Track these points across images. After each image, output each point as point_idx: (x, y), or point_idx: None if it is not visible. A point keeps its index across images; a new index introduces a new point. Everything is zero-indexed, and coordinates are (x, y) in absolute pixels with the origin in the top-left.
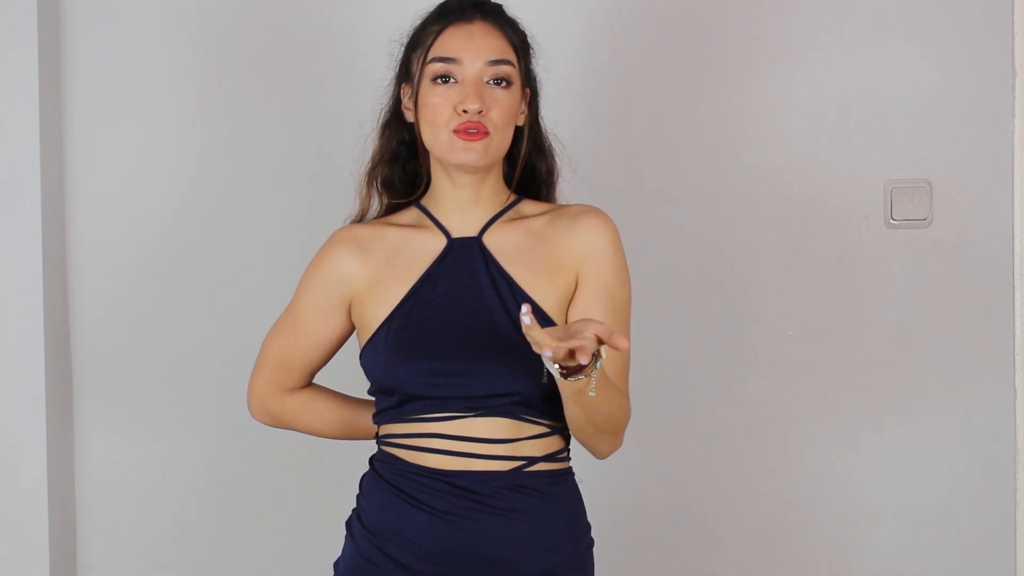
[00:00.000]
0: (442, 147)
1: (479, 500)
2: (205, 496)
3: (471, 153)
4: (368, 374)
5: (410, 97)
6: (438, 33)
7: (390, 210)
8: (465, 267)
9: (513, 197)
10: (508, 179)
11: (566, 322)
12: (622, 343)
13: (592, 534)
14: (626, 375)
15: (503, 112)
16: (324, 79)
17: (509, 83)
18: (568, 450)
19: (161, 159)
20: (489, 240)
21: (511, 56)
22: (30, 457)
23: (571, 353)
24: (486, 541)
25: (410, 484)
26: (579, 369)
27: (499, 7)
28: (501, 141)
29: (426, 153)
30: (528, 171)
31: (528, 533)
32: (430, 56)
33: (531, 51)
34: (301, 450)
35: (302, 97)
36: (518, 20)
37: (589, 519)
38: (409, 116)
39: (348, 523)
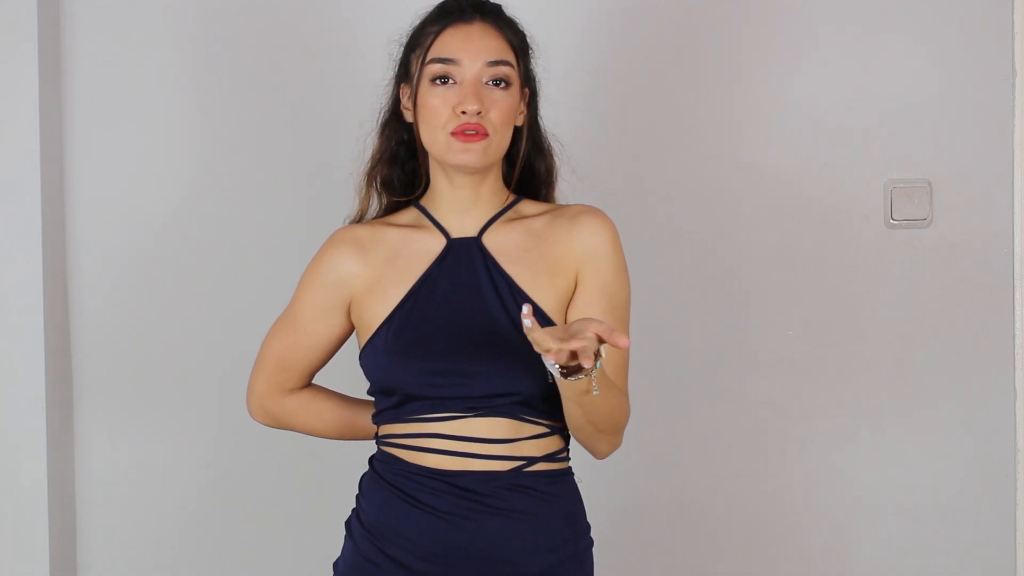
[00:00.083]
0: (440, 148)
1: (479, 500)
2: (205, 496)
3: (470, 154)
4: (368, 374)
5: (409, 97)
6: (437, 34)
7: (389, 210)
8: (464, 267)
9: (512, 197)
10: (507, 179)
11: (565, 322)
12: (622, 341)
13: (592, 534)
14: (625, 375)
15: (502, 113)
16: (324, 79)
17: (508, 84)
18: (568, 450)
19: (161, 159)
20: (488, 240)
21: (510, 57)
22: (30, 457)
23: (572, 354)
24: (486, 541)
25: (410, 484)
26: (579, 369)
27: (498, 7)
28: (500, 142)
29: (425, 153)
30: (527, 171)
31: (528, 533)
32: (429, 57)
33: (530, 51)
34: (301, 450)
35: (302, 97)
36: (517, 20)
37: (589, 519)
38: (408, 116)
39: (348, 523)
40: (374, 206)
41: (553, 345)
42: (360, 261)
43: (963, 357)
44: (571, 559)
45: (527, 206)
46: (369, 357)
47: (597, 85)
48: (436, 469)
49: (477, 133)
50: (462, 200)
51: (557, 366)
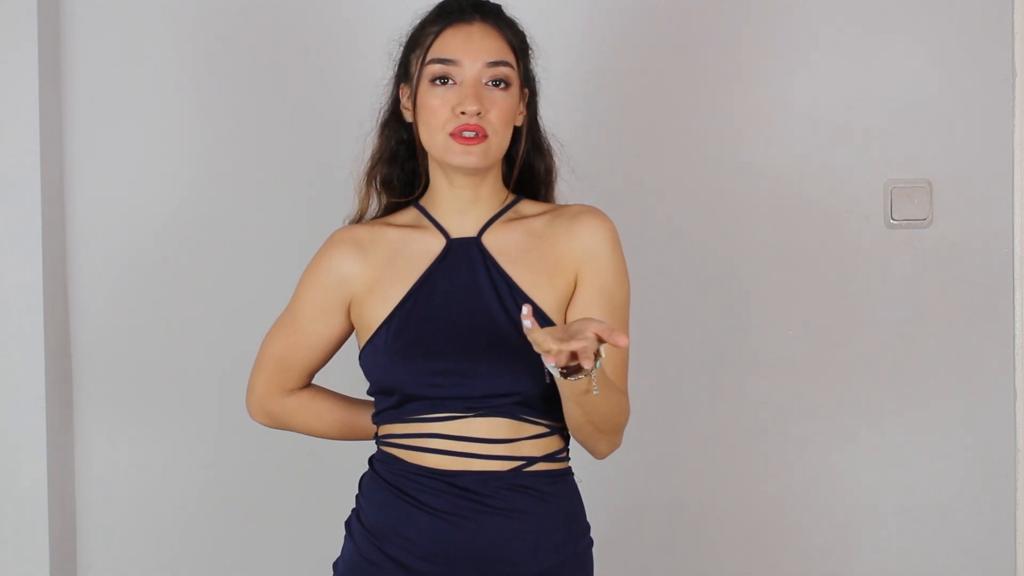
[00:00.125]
0: (440, 149)
1: (479, 500)
2: (205, 496)
3: (470, 156)
4: (367, 374)
5: (409, 97)
6: (437, 34)
7: (388, 210)
8: (464, 267)
9: (512, 197)
10: (506, 179)
11: (565, 322)
12: (622, 340)
13: (591, 534)
14: (625, 375)
15: (502, 114)
16: (324, 79)
17: (508, 84)
18: (567, 450)
19: (161, 159)
20: (488, 240)
21: (510, 57)
22: (30, 457)
23: (572, 355)
24: (486, 541)
25: (410, 484)
26: (579, 369)
27: (498, 7)
28: (500, 143)
29: (424, 153)
30: (526, 171)
31: (527, 533)
32: (429, 57)
33: (530, 51)
34: (301, 450)
35: (302, 97)
36: (517, 20)
37: (588, 519)
38: (408, 116)
39: (347, 523)
40: (374, 206)
41: (553, 346)
42: (360, 261)
43: (963, 357)
44: (571, 559)
45: (527, 206)
46: (369, 357)
47: (597, 85)
48: (436, 469)
49: (477, 135)
50: (462, 200)
51: (557, 367)
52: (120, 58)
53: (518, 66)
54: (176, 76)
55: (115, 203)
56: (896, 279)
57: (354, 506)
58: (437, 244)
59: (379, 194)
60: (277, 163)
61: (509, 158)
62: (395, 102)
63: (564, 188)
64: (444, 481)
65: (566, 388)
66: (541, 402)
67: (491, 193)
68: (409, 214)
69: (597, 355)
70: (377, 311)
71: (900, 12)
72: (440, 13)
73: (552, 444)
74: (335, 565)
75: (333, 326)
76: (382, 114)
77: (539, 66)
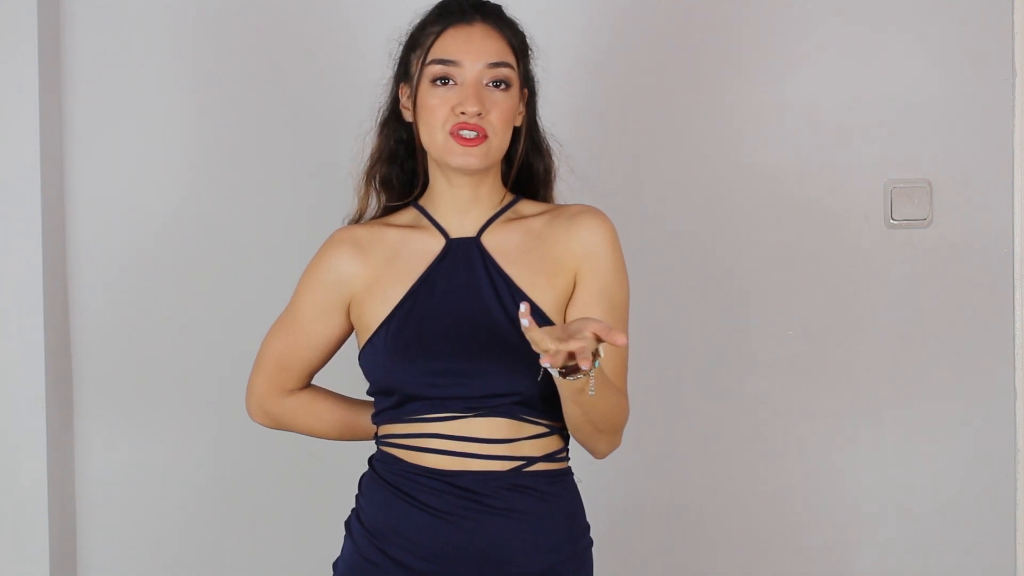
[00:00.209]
0: (440, 148)
1: (478, 500)
2: (205, 496)
3: (470, 158)
4: (367, 375)
5: (408, 97)
6: (438, 34)
7: (388, 211)
8: (464, 267)
9: (511, 197)
10: (505, 179)
11: (564, 322)
12: (620, 339)
13: (591, 534)
14: (624, 374)
15: (502, 114)
16: (324, 79)
17: (508, 85)
18: (567, 450)
19: (161, 159)
20: (488, 240)
21: (510, 58)
22: (30, 457)
23: (570, 355)
24: (485, 541)
25: (409, 484)
26: (578, 368)
27: (499, 8)
28: (500, 143)
29: (423, 153)
30: (525, 171)
31: (527, 533)
32: (430, 58)
33: (529, 52)
34: (301, 450)
35: (302, 97)
36: (517, 21)
37: (588, 519)
38: (407, 116)
39: (347, 523)
40: (373, 205)
41: (551, 345)
42: (359, 261)
43: (963, 357)
44: (571, 559)
45: (526, 206)
46: (368, 357)
47: (597, 85)
48: (436, 469)
49: (477, 135)
50: (461, 200)
51: (554, 368)
52: (120, 58)
53: (518, 67)
54: (176, 76)
55: (115, 203)
56: (896, 279)
57: (354, 506)
58: (436, 244)
59: (378, 193)
60: (277, 163)
61: (508, 158)
62: (394, 101)
63: (563, 188)
64: (444, 481)
65: (564, 388)
66: (541, 402)
67: (490, 193)
68: (408, 214)
69: (596, 355)
70: (377, 311)
71: (900, 12)
72: (441, 13)
73: (552, 444)
74: (335, 565)
75: (333, 326)
76: (381, 113)
77: (539, 66)
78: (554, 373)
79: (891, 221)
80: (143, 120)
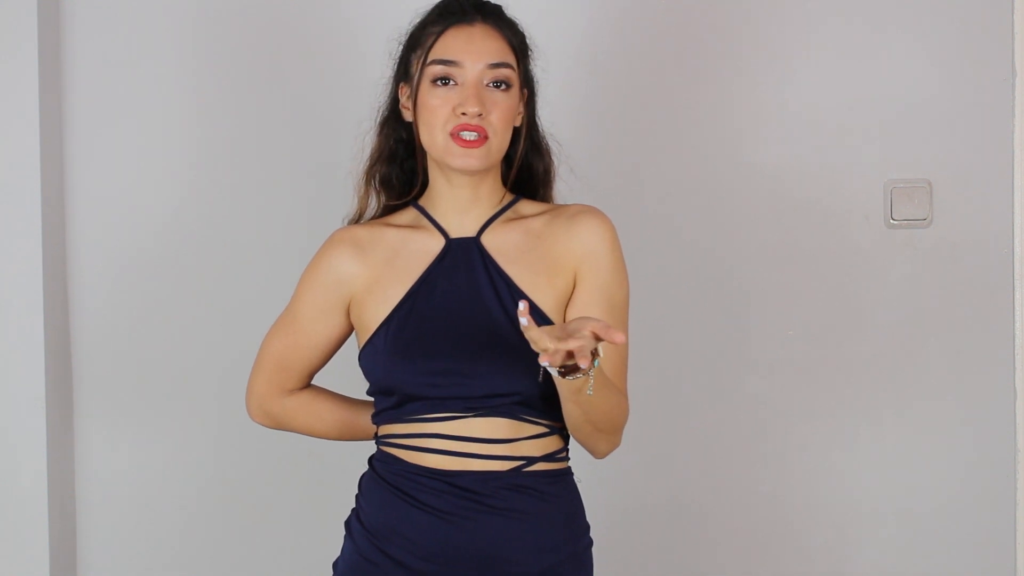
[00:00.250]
0: (440, 149)
1: (478, 500)
2: (205, 496)
3: (470, 159)
4: (367, 375)
5: (408, 97)
6: (438, 35)
7: (387, 211)
8: (464, 267)
9: (511, 197)
10: (505, 178)
11: (564, 322)
12: (618, 337)
13: (591, 534)
14: (624, 374)
15: (502, 115)
16: (324, 79)
17: (508, 86)
18: (567, 450)
19: (161, 159)
20: (487, 240)
21: (511, 59)
22: (30, 457)
23: (569, 354)
24: (485, 541)
25: (409, 484)
26: (577, 367)
27: (499, 8)
28: (500, 144)
29: (423, 153)
30: (525, 171)
31: (527, 533)
32: (430, 58)
33: (529, 52)
34: (301, 450)
35: (301, 97)
36: (517, 21)
37: (588, 519)
38: (407, 115)
39: (347, 523)
40: (372, 205)
41: (550, 345)
42: (359, 261)
43: (963, 357)
44: (571, 559)
45: (526, 206)
46: (368, 357)
47: (597, 85)
48: (436, 469)
49: (478, 136)
50: (461, 200)
51: (553, 367)
52: (120, 58)
53: (518, 67)
54: (176, 76)
55: (115, 203)
56: (896, 279)
57: (354, 506)
58: (436, 244)
59: (378, 193)
60: (277, 163)
61: (507, 158)
62: (394, 101)
63: (563, 188)
64: (444, 481)
65: (563, 387)
66: (541, 402)
67: (490, 193)
68: (408, 214)
69: (595, 354)
70: (376, 311)
71: (900, 12)
72: (441, 13)
73: (552, 444)
74: (335, 565)
75: (333, 326)
76: (381, 113)
77: (538, 66)
78: (553, 372)
79: (891, 221)
80: (143, 120)
